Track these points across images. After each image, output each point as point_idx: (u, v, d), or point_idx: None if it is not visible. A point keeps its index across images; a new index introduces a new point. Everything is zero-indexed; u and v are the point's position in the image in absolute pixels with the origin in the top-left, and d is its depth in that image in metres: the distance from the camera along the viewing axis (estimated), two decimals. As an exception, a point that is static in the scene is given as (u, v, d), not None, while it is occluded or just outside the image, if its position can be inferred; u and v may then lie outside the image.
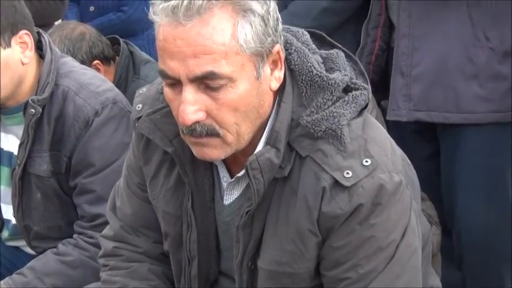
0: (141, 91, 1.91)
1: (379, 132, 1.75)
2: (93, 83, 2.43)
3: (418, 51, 2.76)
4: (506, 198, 2.87)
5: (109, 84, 2.48)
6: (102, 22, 4.43)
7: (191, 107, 1.55)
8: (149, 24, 4.80)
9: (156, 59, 2.45)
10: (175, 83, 1.58)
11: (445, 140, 2.79)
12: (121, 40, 3.11)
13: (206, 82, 1.55)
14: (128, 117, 2.35)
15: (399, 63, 2.77)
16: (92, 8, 4.81)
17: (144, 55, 3.18)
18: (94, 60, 2.87)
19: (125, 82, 2.90)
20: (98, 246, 2.20)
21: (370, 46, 2.96)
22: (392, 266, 1.69)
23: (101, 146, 2.36)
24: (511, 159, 2.86)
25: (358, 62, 1.82)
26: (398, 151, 1.80)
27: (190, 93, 1.56)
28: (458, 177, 2.72)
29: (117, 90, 2.49)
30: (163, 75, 1.60)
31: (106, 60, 2.94)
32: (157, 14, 1.56)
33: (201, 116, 1.57)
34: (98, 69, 2.77)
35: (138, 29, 4.53)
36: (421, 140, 2.81)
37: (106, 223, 2.14)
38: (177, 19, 1.52)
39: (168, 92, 1.63)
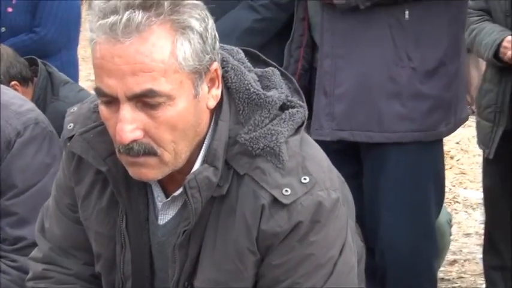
0: (72, 110, 1.86)
1: (316, 149, 1.77)
2: (15, 102, 2.37)
3: (341, 71, 2.79)
4: (429, 216, 2.92)
5: (31, 105, 2.43)
6: (15, 43, 4.31)
7: (129, 125, 1.53)
8: (62, 46, 4.76)
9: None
10: (112, 101, 1.55)
11: (368, 160, 2.83)
12: (39, 61, 3.04)
13: (144, 100, 1.53)
14: (50, 138, 2.32)
15: (322, 83, 2.80)
16: (3, 29, 4.72)
17: (63, 76, 3.11)
18: (12, 81, 2.79)
19: (43, 103, 2.83)
20: (20, 270, 2.18)
21: (293, 66, 2.97)
22: (331, 283, 1.69)
23: (23, 167, 2.29)
24: (432, 179, 2.92)
25: (293, 80, 1.83)
26: (334, 169, 1.80)
27: (127, 111, 1.53)
28: (381, 197, 2.75)
29: (38, 110, 2.43)
30: (100, 93, 1.57)
31: (24, 81, 2.86)
32: (94, 31, 1.53)
33: (138, 134, 1.54)
34: (16, 90, 2.69)
35: (51, 51, 4.45)
36: (343, 159, 2.85)
37: (29, 246, 2.12)
38: (116, 36, 1.50)
39: (104, 110, 1.59)
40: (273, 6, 2.99)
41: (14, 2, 4.80)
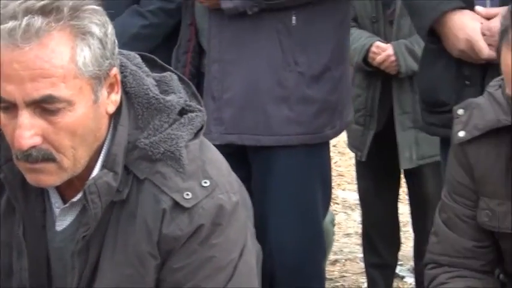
0: None
1: (215, 153, 1.80)
2: None
3: (229, 76, 2.81)
4: (317, 218, 2.97)
5: None
6: None
7: (27, 131, 1.52)
8: None
9: None
10: (10, 107, 1.54)
11: (256, 163, 2.85)
12: None
13: (43, 106, 1.52)
14: None
15: (210, 88, 2.81)
16: None
17: None
18: None
19: None
20: None
21: (181, 71, 2.94)
22: (233, 285, 1.72)
23: None
24: (319, 180, 2.96)
25: (191, 84, 1.86)
26: (233, 173, 1.84)
27: (26, 117, 1.52)
28: (269, 199, 2.79)
29: None
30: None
31: None
32: None
33: (37, 140, 1.53)
34: None
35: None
36: (233, 163, 2.87)
37: None
38: (15, 42, 1.49)
39: (1, 116, 1.58)
40: (160, 12, 2.99)
41: None
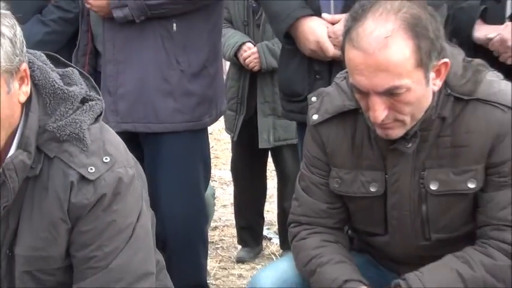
0: None
1: (113, 135, 1.83)
2: None
3: (122, 74, 2.80)
4: (199, 191, 3.00)
5: None
6: None
7: None
8: None
9: None
10: None
11: (147, 146, 2.86)
12: None
13: None
14: None
15: (106, 85, 2.79)
16: None
17: None
18: None
19: None
20: None
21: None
22: (131, 245, 1.76)
23: None
24: (201, 160, 3.00)
25: (90, 78, 1.88)
26: (128, 151, 1.86)
27: None
28: (159, 176, 2.79)
29: None
30: None
31: None
32: None
33: None
34: None
35: None
36: (129, 147, 2.87)
37: None
38: None
39: None
40: (60, 21, 2.95)
41: None
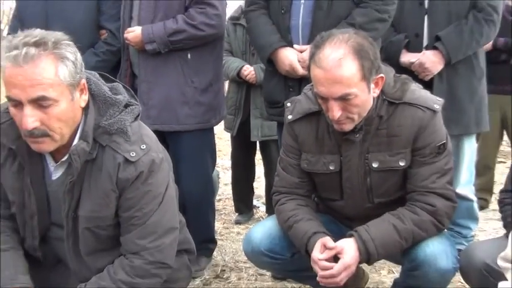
0: None
1: (148, 130, 1.82)
2: None
3: (152, 90, 2.76)
4: (209, 174, 2.99)
5: None
6: None
7: (30, 118, 1.52)
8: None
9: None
10: (18, 104, 1.53)
11: (171, 141, 2.82)
12: None
13: (39, 102, 1.52)
14: None
15: (141, 98, 2.74)
16: None
17: None
18: None
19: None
20: None
21: None
22: (162, 207, 1.76)
23: None
24: (209, 151, 2.97)
25: (130, 90, 1.87)
26: (159, 142, 1.84)
27: (28, 109, 1.52)
28: (181, 163, 2.73)
29: None
30: (10, 99, 1.55)
31: None
32: (3, 60, 1.52)
33: (37, 124, 1.53)
34: None
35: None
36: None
37: None
38: (18, 63, 1.49)
39: (13, 110, 1.57)
40: (108, 52, 2.92)
41: None
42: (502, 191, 2.09)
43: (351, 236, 1.93)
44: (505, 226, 2.03)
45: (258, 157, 4.06)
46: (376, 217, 1.97)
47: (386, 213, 1.96)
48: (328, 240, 1.94)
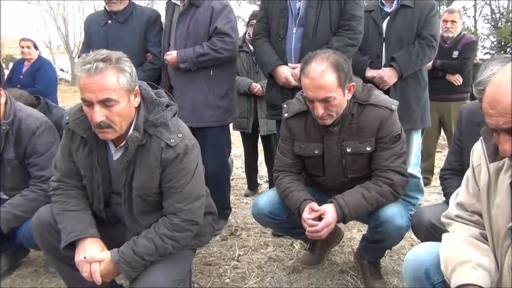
0: (67, 110, 1.78)
1: (183, 123, 1.79)
2: (33, 113, 2.15)
3: (184, 97, 2.72)
4: (225, 158, 2.94)
5: (41, 114, 2.22)
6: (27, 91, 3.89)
7: (98, 114, 1.51)
8: (49, 93, 4.32)
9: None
10: (90, 104, 1.52)
11: (198, 135, 2.69)
12: (41, 97, 2.73)
13: (105, 103, 1.51)
14: (53, 129, 2.16)
15: (176, 102, 2.66)
16: (18, 86, 4.24)
17: (52, 104, 2.79)
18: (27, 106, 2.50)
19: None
20: (43, 190, 2.00)
21: None
22: (193, 180, 1.74)
23: (41, 143, 2.07)
24: (226, 142, 2.94)
25: (170, 94, 1.83)
26: (191, 133, 1.80)
27: (97, 108, 1.51)
28: (206, 149, 2.65)
29: (46, 117, 2.22)
30: (84, 100, 1.53)
31: (33, 106, 2.56)
32: (79, 72, 1.50)
33: (103, 119, 1.52)
34: (31, 109, 2.41)
35: (43, 95, 3.98)
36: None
37: (47, 179, 1.94)
38: (90, 74, 1.48)
39: (86, 108, 1.55)
40: (152, 70, 2.88)
41: (22, 77, 4.35)
42: (442, 169, 2.08)
43: (331, 202, 1.91)
44: (445, 195, 2.01)
45: (261, 148, 4.01)
46: (349, 188, 1.95)
47: (357, 185, 1.94)
48: (314, 205, 1.92)
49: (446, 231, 1.39)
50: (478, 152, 1.30)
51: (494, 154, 1.19)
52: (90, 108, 1.51)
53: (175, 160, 1.63)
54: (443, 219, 1.41)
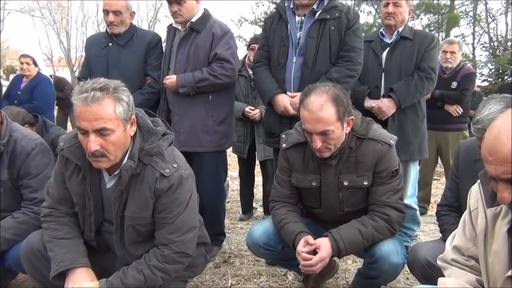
0: (62, 136, 1.76)
1: (179, 153, 1.78)
2: (29, 134, 2.12)
3: (182, 121, 2.71)
4: (222, 183, 2.92)
5: (37, 135, 2.18)
6: (24, 107, 3.86)
7: (93, 143, 1.49)
8: (46, 109, 4.32)
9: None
10: (85, 132, 1.51)
11: (195, 160, 2.73)
12: (38, 115, 2.72)
13: (101, 132, 1.50)
14: (48, 151, 2.12)
15: (174, 127, 2.71)
16: (15, 101, 4.24)
17: (50, 122, 2.78)
18: (25, 124, 2.48)
19: (41, 135, 2.51)
20: (35, 213, 1.95)
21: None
22: (186, 211, 1.72)
23: (35, 165, 2.03)
24: (222, 166, 2.91)
25: (167, 123, 1.82)
26: (187, 163, 1.78)
27: (93, 137, 1.50)
28: (202, 175, 2.64)
29: (41, 138, 2.19)
30: (80, 129, 1.52)
31: (30, 124, 2.55)
32: (76, 100, 1.49)
33: (98, 148, 1.51)
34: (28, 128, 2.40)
35: (41, 111, 3.95)
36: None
37: (39, 202, 1.91)
38: (87, 103, 1.47)
39: (81, 137, 1.54)
40: (151, 93, 2.88)
41: (19, 92, 4.35)
42: (438, 205, 2.06)
43: (326, 236, 1.88)
44: (441, 232, 1.99)
45: (257, 170, 4.00)
46: (346, 222, 1.92)
47: (353, 219, 1.92)
48: (309, 238, 1.89)
49: (442, 271, 1.36)
50: (475, 195, 1.29)
51: (491, 199, 1.18)
52: (85, 136, 1.50)
53: (169, 190, 1.61)
54: (439, 263, 1.39)
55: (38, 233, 1.76)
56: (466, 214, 1.33)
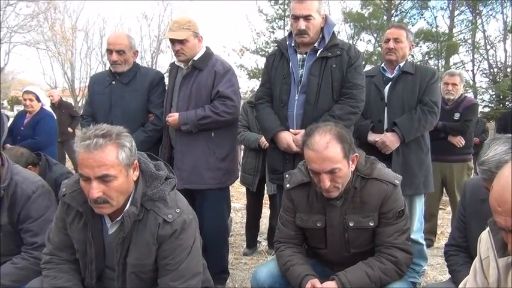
0: (65, 181, 1.75)
1: (182, 197, 1.77)
2: (30, 176, 2.10)
3: (184, 159, 2.72)
4: (225, 219, 2.89)
5: (38, 177, 2.16)
6: (26, 144, 3.85)
7: (96, 190, 1.48)
8: (49, 145, 4.32)
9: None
10: (87, 179, 1.50)
11: (198, 196, 2.74)
12: (42, 154, 2.71)
13: (103, 178, 1.49)
14: (49, 193, 2.09)
15: (177, 164, 2.72)
16: (18, 137, 4.25)
17: (53, 160, 2.77)
18: (28, 165, 2.46)
19: (44, 175, 2.49)
20: (35, 258, 1.91)
21: (163, 158, 2.80)
22: (190, 257, 1.69)
23: (36, 208, 2.00)
24: (225, 202, 2.89)
25: (169, 166, 1.81)
26: (190, 206, 1.76)
27: (95, 183, 1.49)
28: (204, 214, 2.66)
29: (43, 180, 2.16)
30: (82, 175, 1.51)
31: (34, 164, 2.53)
32: (78, 147, 1.49)
33: (100, 195, 1.50)
34: (30, 170, 2.37)
35: (43, 148, 3.94)
36: (186, 197, 2.74)
37: (40, 247, 1.88)
38: (89, 150, 1.47)
39: (83, 183, 1.53)
40: (154, 130, 2.88)
41: (22, 128, 4.37)
42: (446, 245, 2.01)
43: (333, 279, 1.84)
44: (450, 272, 1.94)
45: (265, 200, 3.92)
46: (352, 263, 1.88)
47: (360, 262, 1.87)
48: (316, 281, 1.84)
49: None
50: (485, 243, 1.26)
51: (502, 248, 1.15)
52: (87, 183, 1.49)
53: (172, 236, 1.59)
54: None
55: (38, 280, 1.72)
56: (477, 262, 1.30)
